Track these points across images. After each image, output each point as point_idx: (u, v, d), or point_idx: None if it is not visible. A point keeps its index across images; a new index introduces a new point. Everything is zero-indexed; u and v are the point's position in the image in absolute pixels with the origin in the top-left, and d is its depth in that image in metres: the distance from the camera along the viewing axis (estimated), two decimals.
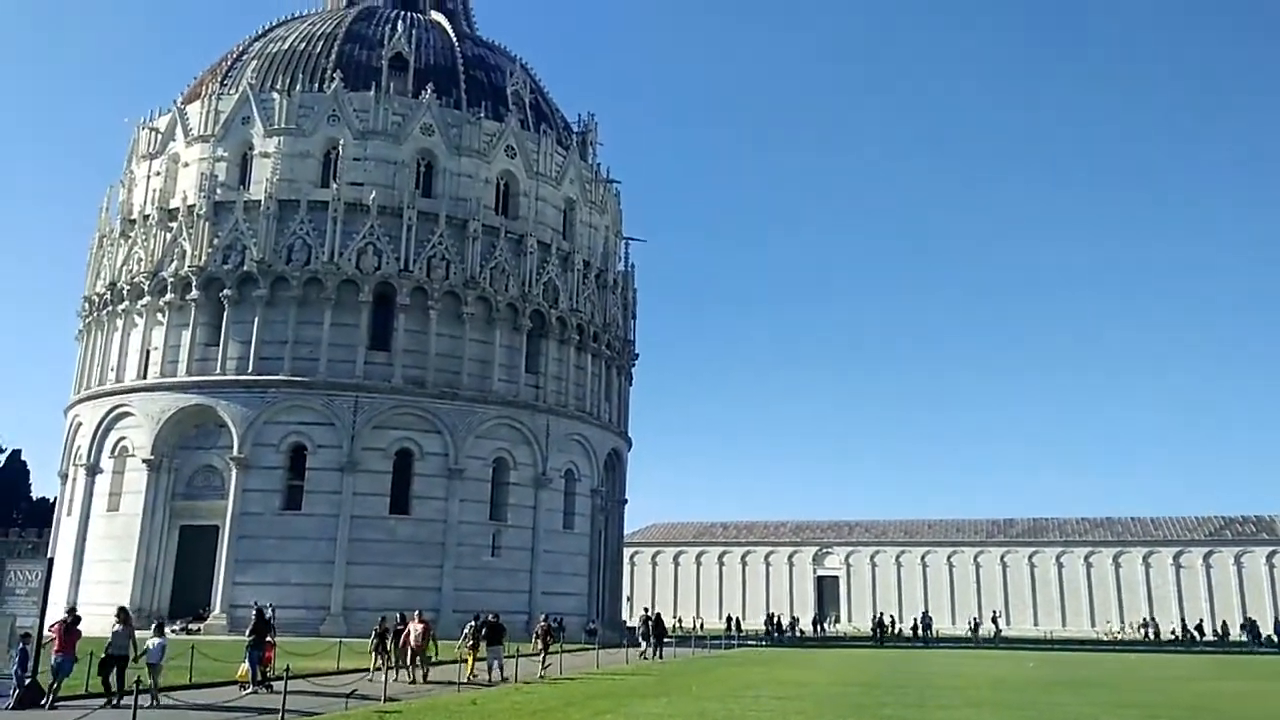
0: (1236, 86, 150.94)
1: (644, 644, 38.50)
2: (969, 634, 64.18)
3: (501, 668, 23.80)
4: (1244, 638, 61.93)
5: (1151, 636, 67.01)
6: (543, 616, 29.93)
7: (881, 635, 58.10)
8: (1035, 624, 77.72)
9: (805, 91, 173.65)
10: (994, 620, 69.20)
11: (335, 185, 43.58)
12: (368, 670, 22.22)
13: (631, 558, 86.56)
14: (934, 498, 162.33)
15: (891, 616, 67.02)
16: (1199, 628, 67.92)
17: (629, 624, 55.57)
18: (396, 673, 22.10)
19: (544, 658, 26.68)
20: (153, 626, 19.16)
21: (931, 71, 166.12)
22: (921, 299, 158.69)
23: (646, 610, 55.29)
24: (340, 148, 44.78)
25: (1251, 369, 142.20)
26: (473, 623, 25.15)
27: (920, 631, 60.20)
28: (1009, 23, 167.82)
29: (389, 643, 22.58)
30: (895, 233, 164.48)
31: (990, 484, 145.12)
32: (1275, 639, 58.31)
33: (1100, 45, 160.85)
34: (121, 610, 18.11)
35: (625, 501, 52.84)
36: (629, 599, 76.76)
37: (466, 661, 24.02)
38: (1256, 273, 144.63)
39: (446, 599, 40.64)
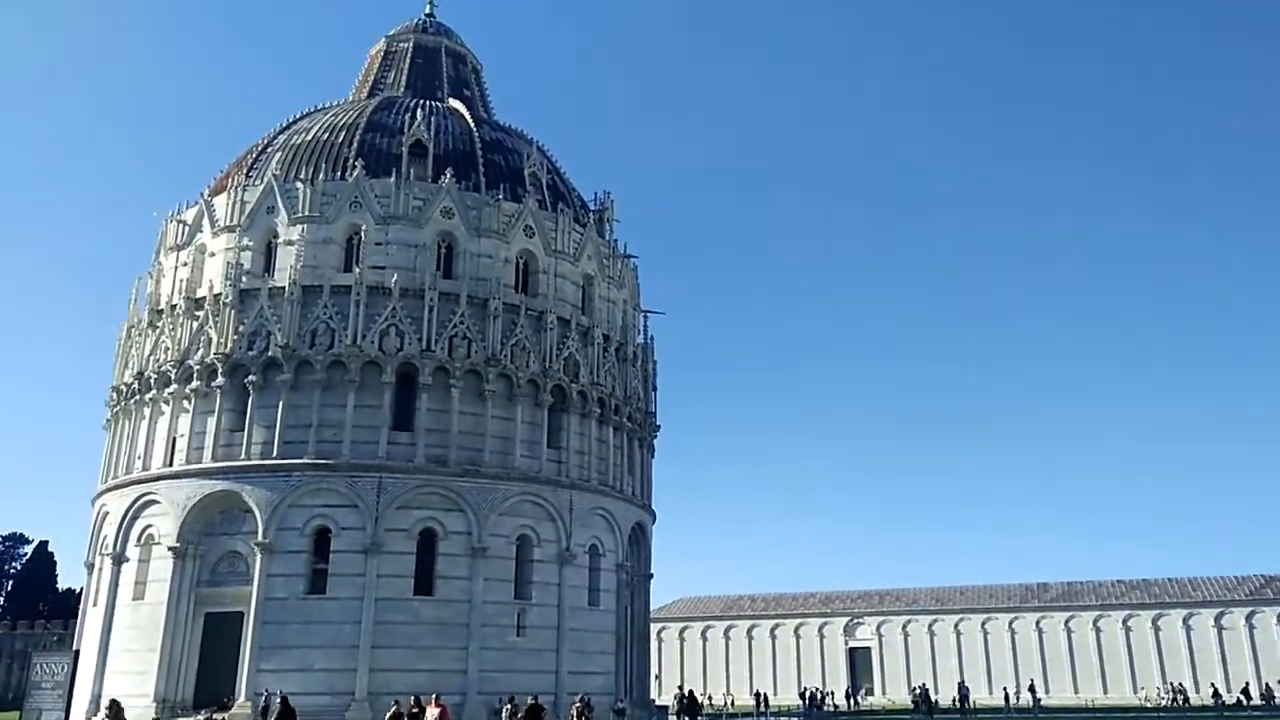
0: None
1: None
2: (1006, 704, 62.45)
3: None
4: None
5: (1182, 702, 64.92)
6: (579, 696, 29.37)
7: (928, 708, 56.65)
8: (1075, 691, 75.68)
9: (815, 155, 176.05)
10: (1030, 690, 67.53)
11: (358, 269, 44.29)
12: None
13: (659, 634, 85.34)
14: (965, 564, 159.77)
15: (923, 686, 65.39)
16: (1245, 691, 65.88)
17: (658, 703, 54.52)
18: None
19: None
20: None
21: (949, 126, 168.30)
22: (945, 365, 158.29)
23: (680, 689, 54.44)
24: (362, 233, 45.59)
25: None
26: (509, 705, 24.78)
27: (958, 703, 58.66)
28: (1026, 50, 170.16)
29: None
30: (917, 296, 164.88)
31: (1023, 548, 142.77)
32: None
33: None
34: (113, 704, 17.86)
35: (651, 576, 52.25)
36: (657, 677, 75.39)
37: None
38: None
39: (472, 681, 40.00)
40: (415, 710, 22.37)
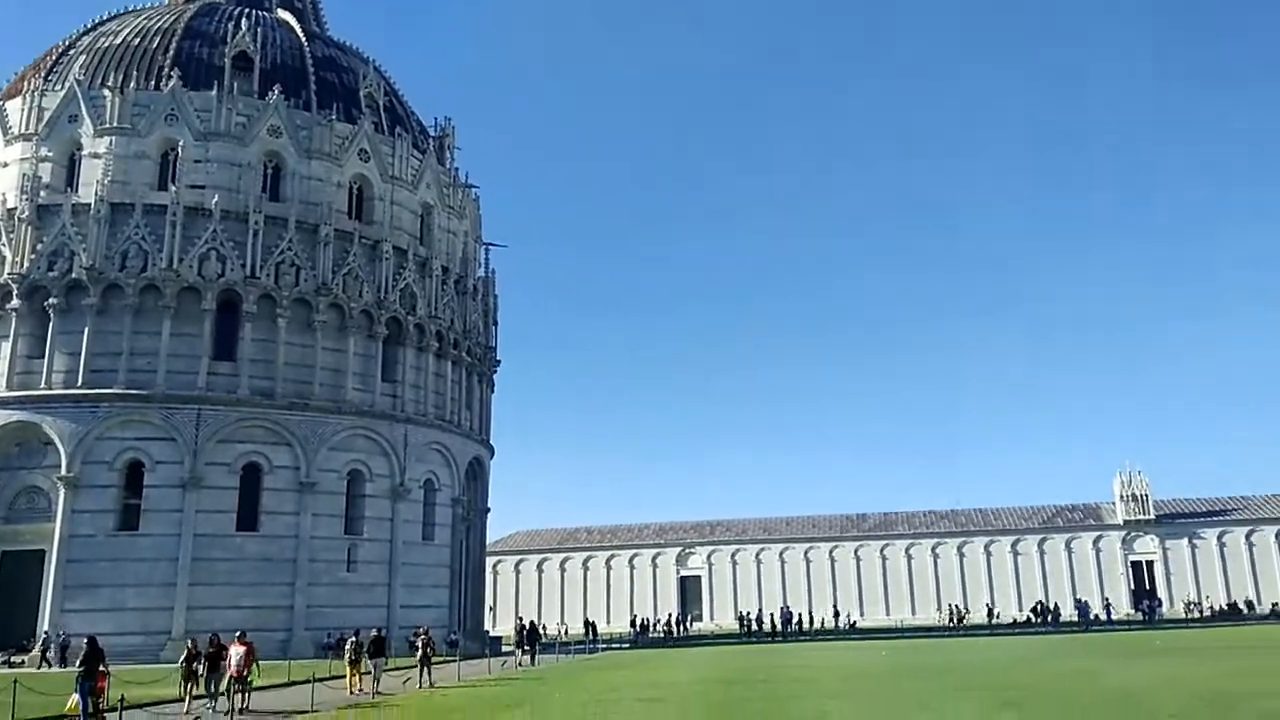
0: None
1: (518, 653, 38.64)
2: (827, 627, 66.31)
3: (377, 680, 23.56)
4: (1075, 617, 66.23)
5: (956, 622, 69.91)
6: (423, 629, 29.42)
7: (749, 631, 59.46)
8: (887, 613, 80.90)
9: (670, 93, 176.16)
10: (835, 613, 71.55)
11: (174, 188, 41.38)
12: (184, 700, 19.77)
13: (495, 566, 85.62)
14: (791, 496, 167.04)
15: (748, 613, 68.48)
16: (1034, 609, 72.21)
17: (493, 634, 54.93)
18: (213, 701, 19.80)
19: (427, 670, 26.38)
20: None
21: (808, 70, 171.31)
22: (776, 302, 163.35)
23: (519, 619, 55.25)
24: (180, 149, 42.56)
25: (1078, 368, 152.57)
26: (353, 638, 25.08)
27: (781, 626, 61.73)
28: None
29: (200, 668, 20.12)
30: (755, 235, 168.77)
31: (844, 481, 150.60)
32: (1102, 618, 62.65)
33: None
34: None
35: (488, 510, 52.17)
36: (492, 609, 75.87)
37: (347, 677, 23.76)
38: (1081, 275, 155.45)
39: (299, 617, 39.15)
40: (213, 650, 20.35)
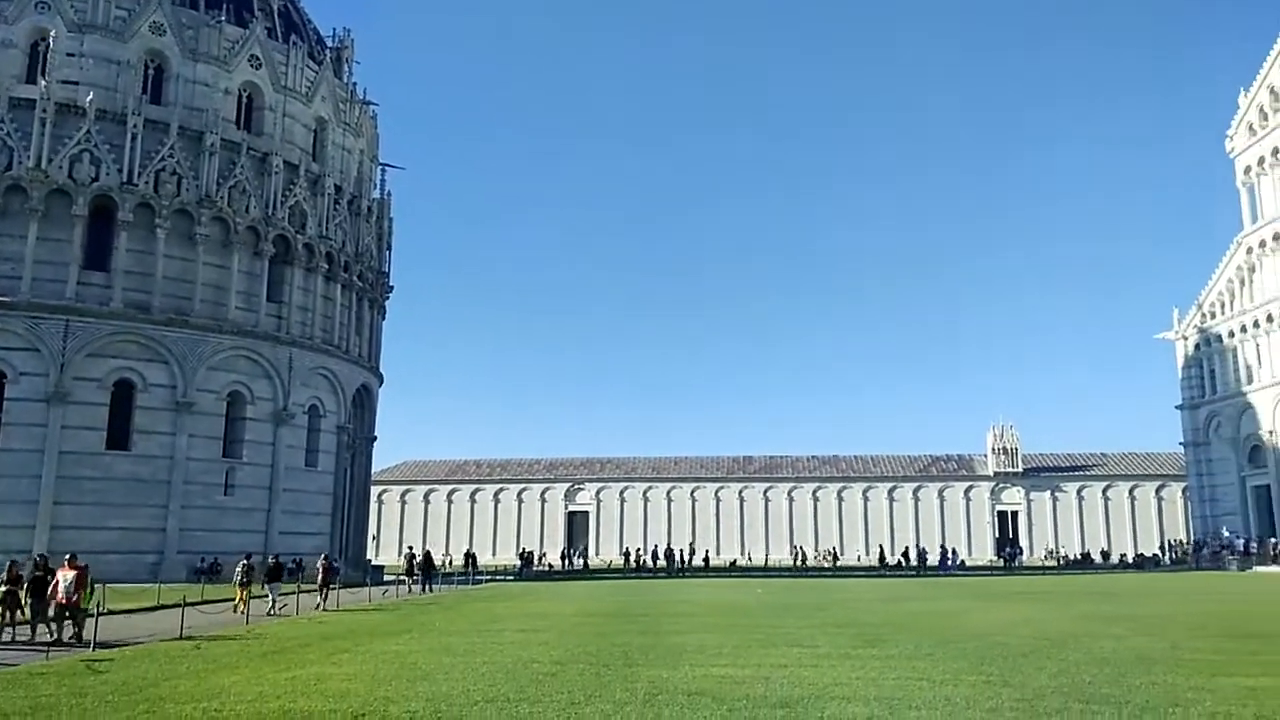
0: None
1: (408, 581, 38.84)
2: (710, 564, 67.89)
3: (274, 604, 23.51)
4: (951, 561, 69.42)
5: (862, 562, 73.37)
6: (322, 555, 29.01)
7: (635, 567, 60.45)
8: (767, 554, 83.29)
9: (581, 11, 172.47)
10: (691, 550, 73.50)
11: (44, 82, 38.61)
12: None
13: (380, 496, 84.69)
14: (681, 437, 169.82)
15: (635, 549, 69.66)
16: (905, 554, 75.44)
17: (375, 563, 54.45)
18: (33, 631, 17.45)
19: (325, 595, 26.04)
20: None
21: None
22: (679, 239, 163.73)
23: (410, 550, 55.19)
24: (50, 39, 39.64)
25: (964, 328, 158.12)
26: (244, 562, 24.96)
27: (665, 563, 62.92)
28: None
29: (23, 594, 17.80)
30: (657, 169, 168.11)
31: (732, 423, 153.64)
32: (959, 563, 65.79)
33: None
34: None
35: (374, 439, 51.27)
36: (375, 538, 75.18)
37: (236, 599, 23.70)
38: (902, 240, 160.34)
39: (171, 539, 37.99)
40: (39, 573, 17.99)
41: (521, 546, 77.73)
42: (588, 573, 61.81)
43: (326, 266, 45.25)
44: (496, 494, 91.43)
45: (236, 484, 40.62)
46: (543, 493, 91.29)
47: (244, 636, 18.79)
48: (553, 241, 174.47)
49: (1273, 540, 58.74)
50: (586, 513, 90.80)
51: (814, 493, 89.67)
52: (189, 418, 39.18)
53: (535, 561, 65.92)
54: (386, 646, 16.93)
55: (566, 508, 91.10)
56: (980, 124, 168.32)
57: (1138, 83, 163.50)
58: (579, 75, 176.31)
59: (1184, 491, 78.54)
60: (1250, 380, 63.84)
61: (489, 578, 52.96)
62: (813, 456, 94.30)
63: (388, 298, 52.65)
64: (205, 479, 39.64)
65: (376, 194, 51.98)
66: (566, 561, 71.76)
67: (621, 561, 71.49)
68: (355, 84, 50.92)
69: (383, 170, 53.21)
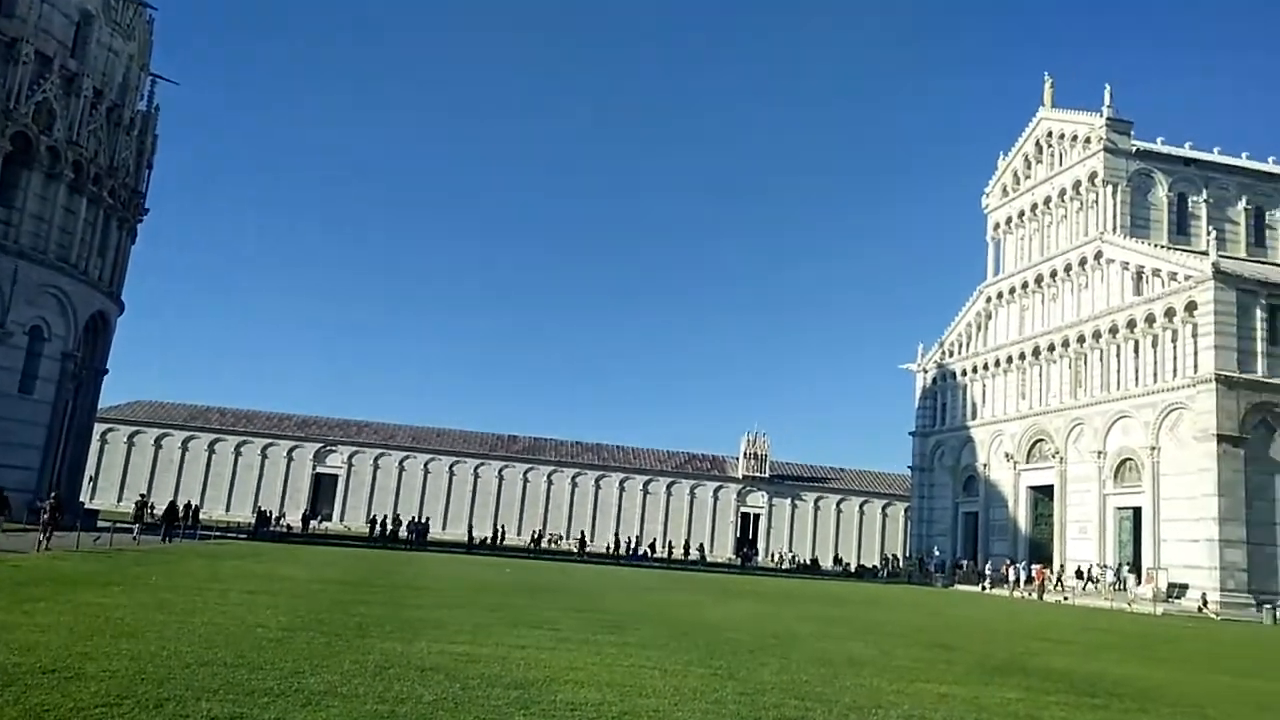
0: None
1: (135, 529, 36.77)
2: (460, 540, 67.08)
3: None
4: (694, 556, 72.28)
5: (612, 551, 74.94)
6: (51, 494, 25.85)
7: (382, 536, 58.70)
8: (519, 533, 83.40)
9: None
10: (455, 529, 73.00)
11: None
12: None
13: (103, 435, 77.77)
14: (445, 408, 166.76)
15: (383, 517, 67.66)
16: (652, 545, 77.83)
17: (89, 506, 49.86)
18: None
19: (50, 534, 23.26)
20: None
21: None
22: (467, 215, 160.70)
23: (144, 496, 50.98)
24: None
25: (729, 336, 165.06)
26: None
27: (415, 536, 61.54)
28: None
29: None
30: (438, 119, 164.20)
31: (499, 401, 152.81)
32: (705, 558, 68.63)
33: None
34: None
35: (105, 372, 46.74)
36: (92, 480, 68.90)
37: None
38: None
39: None
40: None
41: (261, 504, 73.61)
42: (331, 538, 59.36)
43: (73, 176, 40.72)
44: (238, 446, 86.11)
45: None
46: (290, 450, 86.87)
47: None
48: (335, 199, 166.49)
49: (971, 562, 65.26)
50: (335, 476, 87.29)
51: (574, 478, 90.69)
52: None
53: (273, 522, 62.53)
54: (91, 598, 15.38)
55: (314, 469, 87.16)
56: (775, 148, 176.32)
57: (924, 131, 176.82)
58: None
59: (906, 511, 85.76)
60: (974, 416, 70.56)
61: (219, 534, 49.74)
62: (577, 442, 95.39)
63: (140, 220, 48.12)
64: None
65: (143, 106, 47.37)
66: (309, 525, 68.64)
67: (368, 529, 69.30)
68: None
69: (153, 81, 48.53)
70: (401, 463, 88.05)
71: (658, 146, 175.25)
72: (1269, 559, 47.46)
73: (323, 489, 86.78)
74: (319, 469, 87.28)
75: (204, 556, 30.70)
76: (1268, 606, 44.50)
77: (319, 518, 77.08)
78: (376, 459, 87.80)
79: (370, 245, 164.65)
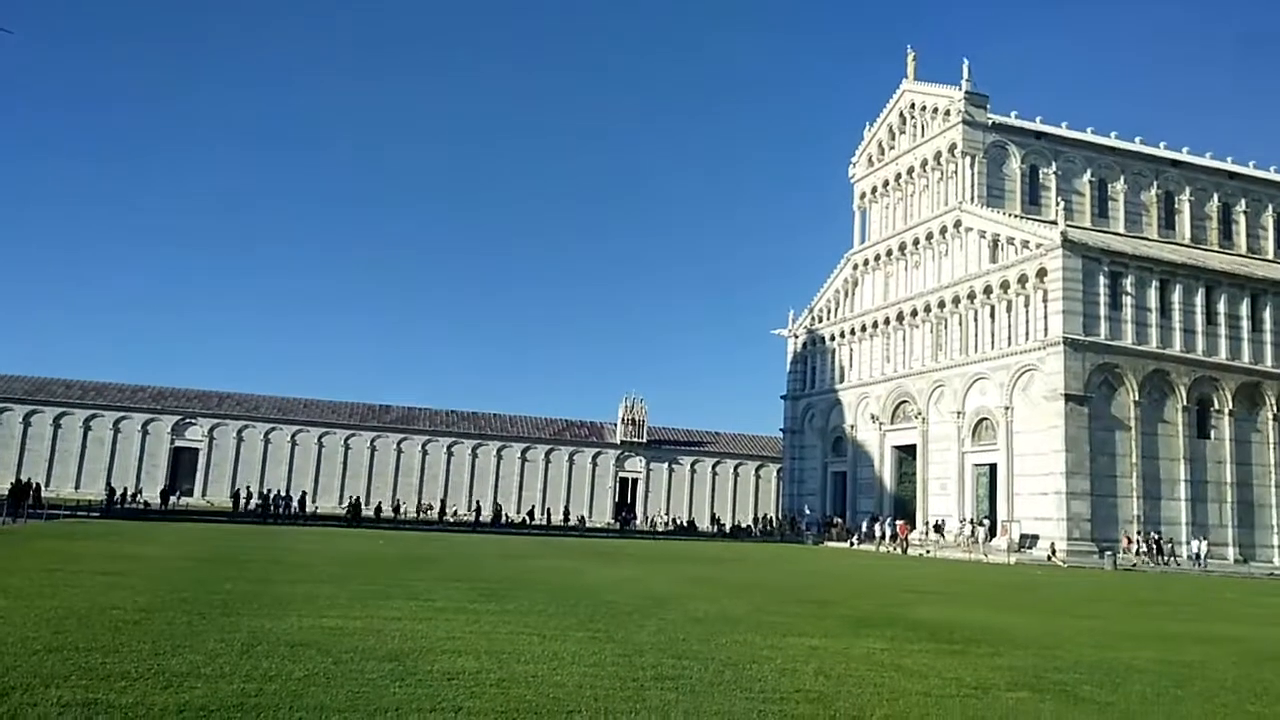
0: None
1: None
2: (334, 513, 65.43)
3: None
4: (573, 522, 72.51)
5: (490, 519, 74.56)
6: None
7: (252, 511, 56.72)
8: (393, 506, 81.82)
9: None
10: (355, 501, 71.43)
11: None
12: None
13: None
14: (314, 379, 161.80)
15: (247, 491, 65.42)
16: (531, 512, 77.76)
17: None
18: None
19: None
20: None
21: None
22: (328, 171, 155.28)
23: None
24: None
25: (607, 300, 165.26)
26: None
27: (284, 509, 59.73)
28: None
29: None
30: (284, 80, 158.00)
31: (369, 371, 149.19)
32: (583, 522, 69.01)
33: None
34: None
35: None
36: None
37: None
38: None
39: None
40: None
41: (114, 480, 69.95)
42: (193, 514, 56.98)
43: None
44: (87, 420, 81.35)
45: None
46: (145, 424, 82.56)
47: None
48: (192, 157, 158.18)
49: (841, 520, 67.72)
50: (196, 450, 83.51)
51: (449, 448, 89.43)
52: None
53: (129, 499, 59.57)
54: None
55: (173, 443, 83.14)
56: (657, 109, 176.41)
57: (807, 102, 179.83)
58: None
59: (779, 472, 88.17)
60: (842, 380, 72.91)
61: (68, 514, 47.08)
62: (451, 411, 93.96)
63: None
64: None
65: None
66: (168, 501, 65.72)
67: (233, 505, 66.80)
68: None
69: None
70: (267, 435, 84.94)
71: (534, 101, 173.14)
72: (1110, 509, 50.96)
73: (182, 464, 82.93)
74: (178, 443, 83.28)
75: (55, 537, 29.01)
76: (1109, 553, 47.79)
77: (179, 494, 73.82)
78: (240, 431, 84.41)
79: (218, 200, 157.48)
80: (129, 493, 64.41)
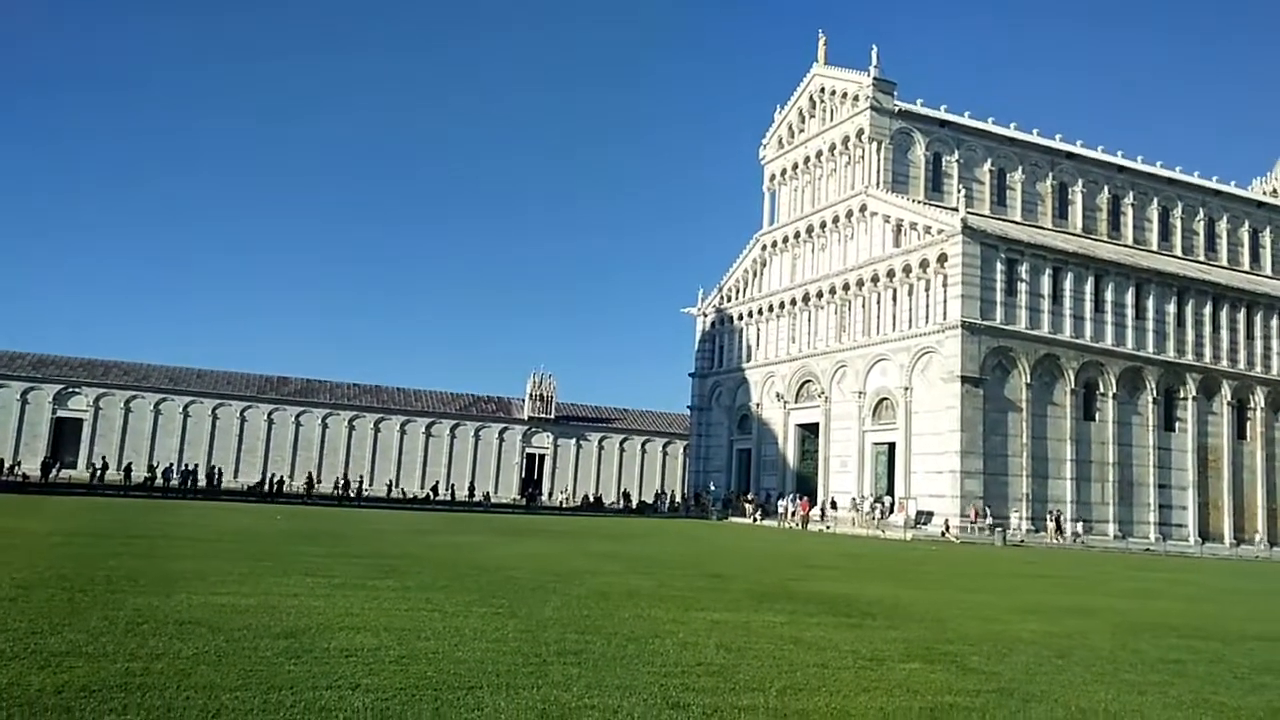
0: None
1: None
2: (227, 487, 63.47)
3: None
4: (478, 498, 71.89)
5: (386, 494, 73.62)
6: None
7: (140, 484, 54.66)
8: (292, 478, 79.86)
9: None
10: (221, 475, 69.51)
11: None
12: None
13: None
14: (209, 348, 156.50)
15: (135, 464, 62.94)
16: (435, 488, 76.83)
17: None
18: None
19: None
20: None
21: None
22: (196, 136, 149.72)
23: None
24: None
25: (514, 275, 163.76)
26: None
27: (176, 482, 57.70)
28: None
29: None
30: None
31: (268, 341, 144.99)
32: (489, 499, 68.57)
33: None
34: None
35: None
36: None
37: None
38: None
39: None
40: None
41: None
42: (77, 487, 54.55)
43: None
44: None
45: None
46: (24, 393, 78.60)
47: None
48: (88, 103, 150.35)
49: (745, 496, 68.81)
50: (80, 420, 79.93)
51: (350, 421, 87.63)
52: None
53: (7, 471, 56.72)
54: None
55: (54, 413, 79.40)
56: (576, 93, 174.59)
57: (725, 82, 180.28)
58: None
59: (686, 449, 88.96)
60: (749, 359, 73.88)
61: None
62: (354, 384, 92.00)
63: None
64: None
65: None
66: (49, 473, 62.78)
67: (121, 478, 64.22)
68: None
69: None
70: (157, 406, 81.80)
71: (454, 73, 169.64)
72: (1001, 487, 52.96)
73: (65, 435, 79.29)
74: (60, 413, 79.53)
75: None
76: (999, 529, 49.71)
77: (60, 465, 70.58)
78: (128, 402, 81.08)
79: (99, 168, 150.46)
80: (6, 464, 61.25)
